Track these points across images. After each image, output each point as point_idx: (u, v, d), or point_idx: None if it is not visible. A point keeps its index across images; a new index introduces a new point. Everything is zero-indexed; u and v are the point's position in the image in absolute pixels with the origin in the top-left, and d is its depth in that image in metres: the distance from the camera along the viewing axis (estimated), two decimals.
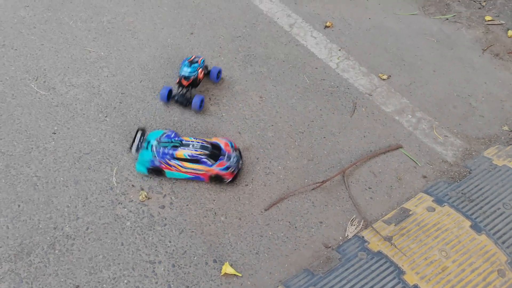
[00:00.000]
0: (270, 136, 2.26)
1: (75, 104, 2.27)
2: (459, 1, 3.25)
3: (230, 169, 1.96)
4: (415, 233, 1.88)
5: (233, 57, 2.64)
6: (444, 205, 1.99)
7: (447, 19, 3.11)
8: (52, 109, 2.23)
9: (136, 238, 1.81)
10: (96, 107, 2.27)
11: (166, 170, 1.96)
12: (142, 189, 1.97)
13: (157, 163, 1.94)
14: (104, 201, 1.92)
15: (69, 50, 2.53)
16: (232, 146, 2.01)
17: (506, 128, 2.42)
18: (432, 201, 2.02)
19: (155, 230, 1.85)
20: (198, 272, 1.75)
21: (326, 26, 2.95)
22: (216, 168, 1.93)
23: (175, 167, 1.95)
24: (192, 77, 2.27)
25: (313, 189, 2.06)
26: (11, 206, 1.85)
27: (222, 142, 2.00)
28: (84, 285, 1.67)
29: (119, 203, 1.92)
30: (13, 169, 1.97)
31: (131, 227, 1.84)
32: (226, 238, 1.86)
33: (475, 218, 1.93)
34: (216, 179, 1.98)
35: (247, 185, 2.05)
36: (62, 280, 1.67)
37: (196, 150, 1.93)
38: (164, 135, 2.01)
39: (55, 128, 2.15)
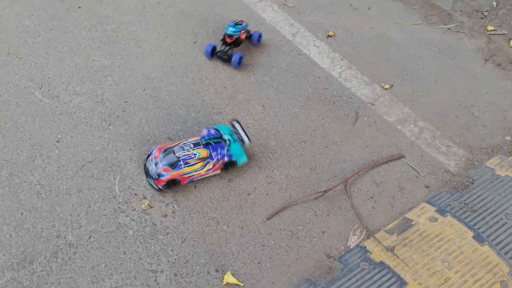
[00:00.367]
0: (273, 145, 2.27)
1: (79, 113, 2.28)
2: (461, 11, 3.26)
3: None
4: (418, 243, 1.88)
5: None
6: (447, 215, 1.98)
7: (449, 29, 3.13)
8: (56, 117, 2.24)
9: (138, 247, 1.82)
10: (99, 116, 2.28)
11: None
12: (145, 198, 1.98)
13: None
14: (107, 209, 1.92)
15: (73, 59, 2.55)
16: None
17: (508, 138, 2.42)
18: (435, 211, 2.02)
19: (157, 239, 1.85)
20: (200, 281, 1.75)
21: (328, 36, 2.96)
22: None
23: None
24: (235, 36, 2.59)
25: (315, 198, 2.07)
26: (14, 214, 1.86)
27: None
28: None
29: (121, 212, 1.92)
30: (17, 177, 1.98)
31: (133, 236, 1.85)
32: (228, 247, 1.86)
33: (478, 229, 1.93)
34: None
35: (249, 194, 2.06)
36: None
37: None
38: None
39: (59, 136, 2.17)
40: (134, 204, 1.95)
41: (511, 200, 2.04)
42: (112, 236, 1.84)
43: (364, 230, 1.96)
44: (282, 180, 2.12)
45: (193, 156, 1.97)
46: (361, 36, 3.00)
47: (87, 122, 2.24)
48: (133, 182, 2.03)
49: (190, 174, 1.99)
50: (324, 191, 2.06)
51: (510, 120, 2.52)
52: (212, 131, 2.08)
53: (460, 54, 2.93)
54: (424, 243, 1.88)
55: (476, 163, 2.28)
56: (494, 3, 3.34)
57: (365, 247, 1.88)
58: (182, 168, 1.96)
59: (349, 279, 1.76)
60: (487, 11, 3.27)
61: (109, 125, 2.25)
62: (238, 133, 2.11)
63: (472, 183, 2.15)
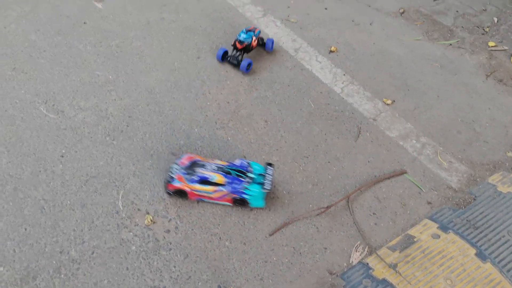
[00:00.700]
0: (275, 161, 2.28)
1: (83, 127, 2.30)
2: (462, 27, 3.29)
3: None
4: (420, 260, 1.88)
5: (239, 81, 2.68)
6: (449, 232, 1.99)
7: (451, 44, 3.15)
8: (60, 132, 2.26)
9: (141, 262, 1.82)
10: (103, 130, 2.30)
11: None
12: (148, 213, 1.99)
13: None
14: (110, 225, 1.93)
15: (78, 74, 2.57)
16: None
17: (510, 154, 2.42)
18: (437, 228, 2.02)
19: (160, 254, 1.86)
20: None
21: (331, 51, 2.99)
22: None
23: None
24: (245, 42, 2.65)
25: (317, 214, 2.07)
26: (18, 229, 1.86)
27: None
28: None
29: (124, 227, 1.93)
30: (21, 192, 1.99)
31: (136, 252, 1.85)
32: (231, 264, 1.87)
33: (480, 246, 1.93)
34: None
35: (251, 209, 2.06)
36: None
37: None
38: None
39: (63, 151, 2.18)
40: (137, 220, 1.96)
41: None
42: (115, 252, 1.84)
43: (367, 247, 1.97)
44: (284, 196, 2.13)
45: (208, 177, 1.97)
46: (363, 51, 3.02)
47: (91, 137, 2.26)
48: (136, 197, 2.04)
49: (200, 193, 2.00)
50: (327, 207, 2.07)
51: None
52: (244, 164, 2.07)
53: (461, 70, 2.95)
54: (426, 260, 1.88)
55: (478, 180, 2.29)
56: (495, 19, 3.36)
57: (367, 264, 1.88)
58: (194, 183, 1.97)
59: None
60: (488, 27, 3.29)
61: (113, 140, 2.27)
62: (267, 178, 2.04)
63: (475, 199, 2.15)
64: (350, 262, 1.92)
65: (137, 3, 3.18)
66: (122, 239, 1.89)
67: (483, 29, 3.27)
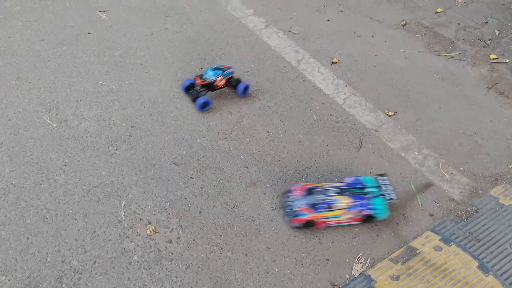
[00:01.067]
0: (277, 171, 2.28)
1: (86, 137, 2.31)
2: (464, 39, 3.31)
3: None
4: (422, 272, 1.87)
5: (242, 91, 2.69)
6: (451, 245, 1.98)
7: (452, 57, 3.17)
8: (64, 142, 2.27)
9: (142, 273, 1.82)
10: (106, 140, 2.31)
11: None
12: (150, 223, 1.99)
13: None
14: (112, 234, 1.93)
15: (82, 83, 2.59)
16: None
17: None
18: (439, 240, 2.01)
19: (161, 265, 1.85)
20: None
21: (333, 62, 3.00)
22: None
23: None
24: (207, 80, 2.49)
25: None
26: (20, 238, 1.87)
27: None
28: None
29: (126, 237, 1.93)
30: (23, 201, 2.00)
31: (138, 262, 1.85)
32: (233, 274, 1.86)
33: (483, 259, 1.92)
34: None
35: (254, 220, 2.06)
36: None
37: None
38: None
39: (66, 160, 2.19)
40: (139, 230, 1.96)
41: None
42: (116, 262, 1.84)
43: (369, 258, 1.96)
44: None
45: (335, 202, 1.98)
46: (365, 63, 3.04)
47: (94, 147, 2.27)
48: (139, 207, 2.04)
49: (329, 219, 2.00)
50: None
51: None
52: (357, 180, 2.08)
53: (463, 82, 2.96)
54: (428, 273, 1.87)
55: (480, 192, 2.29)
56: (497, 32, 3.39)
57: (369, 275, 1.88)
58: (323, 211, 1.97)
59: None
60: (489, 40, 3.31)
61: (116, 149, 2.27)
62: (384, 189, 2.05)
63: (477, 211, 2.15)
64: (352, 273, 1.92)
65: (141, 14, 3.21)
66: (124, 249, 1.89)
67: (485, 42, 3.29)
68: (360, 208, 1.99)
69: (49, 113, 2.40)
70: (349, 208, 1.98)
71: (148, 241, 1.92)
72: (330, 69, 2.95)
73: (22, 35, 2.86)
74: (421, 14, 3.56)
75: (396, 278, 1.85)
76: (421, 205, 2.20)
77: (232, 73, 2.58)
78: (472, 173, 2.38)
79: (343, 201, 1.98)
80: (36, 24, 2.98)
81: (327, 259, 1.96)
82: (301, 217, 1.97)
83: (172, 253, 1.90)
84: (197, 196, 2.12)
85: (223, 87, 2.59)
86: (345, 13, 3.51)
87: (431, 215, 2.17)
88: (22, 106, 2.40)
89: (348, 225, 2.07)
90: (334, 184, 2.07)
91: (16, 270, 1.77)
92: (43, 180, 2.09)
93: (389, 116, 2.66)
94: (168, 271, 1.84)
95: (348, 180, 2.09)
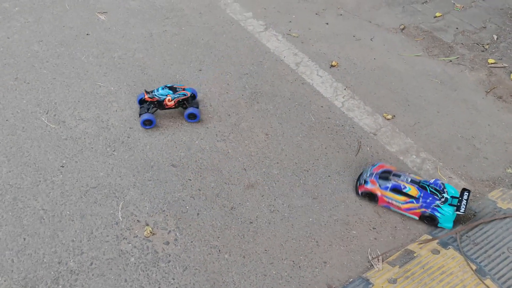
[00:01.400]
0: (275, 174, 2.28)
1: (84, 138, 2.30)
2: (462, 43, 3.32)
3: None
4: (420, 276, 1.87)
5: (240, 94, 2.69)
6: (449, 248, 1.98)
7: (451, 61, 3.17)
8: (61, 143, 2.26)
9: (139, 274, 1.81)
10: (104, 141, 2.31)
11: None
12: (147, 225, 1.98)
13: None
14: (109, 236, 1.93)
15: (80, 85, 2.59)
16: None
17: (510, 170, 2.43)
18: (437, 243, 2.01)
19: (159, 266, 1.85)
20: None
21: (332, 65, 3.01)
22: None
23: None
24: (155, 97, 2.38)
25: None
26: (16, 239, 1.86)
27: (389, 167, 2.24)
28: None
29: (123, 238, 1.92)
30: (21, 202, 1.99)
31: (135, 263, 1.84)
32: (230, 277, 1.86)
33: (480, 262, 1.92)
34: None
35: (251, 222, 2.06)
36: None
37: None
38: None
39: (63, 161, 2.18)
40: (136, 231, 1.95)
41: None
42: (113, 263, 1.83)
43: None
44: (284, 209, 2.13)
45: (402, 187, 2.05)
46: (363, 66, 3.04)
47: (92, 148, 2.27)
48: (136, 208, 2.04)
49: (390, 201, 2.10)
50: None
51: (511, 153, 2.54)
52: (439, 184, 2.10)
53: (461, 86, 2.96)
54: (426, 276, 1.87)
55: (478, 195, 2.29)
56: (495, 37, 3.40)
57: (367, 279, 1.87)
58: (387, 190, 2.08)
59: None
60: (488, 44, 3.32)
61: (114, 151, 2.27)
62: (461, 200, 2.04)
63: (474, 215, 2.15)
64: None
65: (140, 15, 3.21)
66: (121, 250, 1.88)
67: (483, 46, 3.30)
68: (424, 204, 2.05)
69: (47, 114, 2.39)
70: (414, 199, 2.06)
71: (146, 243, 1.92)
72: (329, 72, 2.96)
73: (21, 36, 2.86)
74: (419, 18, 3.57)
75: (393, 281, 1.85)
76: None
77: (185, 95, 2.42)
78: (470, 177, 2.38)
79: (411, 190, 2.05)
80: (35, 25, 2.98)
81: (325, 262, 1.95)
82: (366, 186, 2.15)
83: (170, 255, 1.89)
84: (195, 198, 2.12)
85: (174, 108, 2.46)
86: (344, 16, 3.51)
87: None
88: (20, 107, 2.40)
89: (406, 216, 2.14)
90: (412, 175, 2.15)
91: (12, 270, 1.76)
92: (40, 181, 2.08)
93: (388, 119, 2.67)
94: (165, 273, 1.83)
95: (431, 180, 2.13)
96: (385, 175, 2.13)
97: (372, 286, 1.84)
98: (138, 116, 2.44)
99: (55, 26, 2.99)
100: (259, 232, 2.03)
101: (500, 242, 2.01)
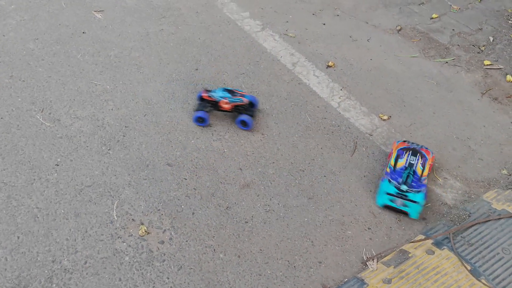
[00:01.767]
0: (271, 173, 2.28)
1: (79, 136, 2.30)
2: (458, 45, 3.33)
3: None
4: (414, 276, 1.87)
5: None
6: (444, 249, 1.98)
7: (447, 62, 3.18)
8: (56, 141, 2.25)
9: (134, 273, 1.80)
10: (99, 140, 2.30)
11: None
12: (142, 224, 1.98)
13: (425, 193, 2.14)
14: (104, 234, 1.92)
15: (76, 83, 2.58)
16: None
17: (505, 172, 2.43)
18: (432, 244, 2.02)
19: (153, 266, 1.84)
20: None
21: (328, 66, 3.01)
22: (430, 157, 2.27)
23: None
24: (213, 97, 2.42)
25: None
26: (10, 237, 1.85)
27: (406, 145, 2.34)
28: None
29: (118, 237, 1.91)
30: (15, 200, 1.98)
31: (129, 262, 1.84)
32: (225, 276, 1.85)
33: (475, 263, 1.92)
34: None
35: (247, 222, 2.06)
36: None
37: (417, 159, 2.24)
38: (391, 182, 2.17)
39: (58, 159, 2.17)
40: (131, 230, 1.95)
41: (507, 235, 2.04)
42: (108, 262, 1.83)
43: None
44: (280, 209, 2.13)
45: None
46: (360, 67, 3.04)
47: (87, 146, 2.26)
48: (131, 207, 2.03)
49: None
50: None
51: (506, 154, 2.54)
52: None
53: (457, 88, 2.97)
54: (420, 276, 1.87)
55: (472, 196, 2.29)
56: (491, 38, 3.41)
57: (362, 279, 1.87)
58: None
59: None
60: (483, 46, 3.33)
61: (109, 149, 2.26)
62: None
63: (469, 216, 2.15)
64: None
65: (137, 14, 3.20)
66: (116, 249, 1.87)
67: (479, 48, 3.31)
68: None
69: (42, 112, 2.38)
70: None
71: (140, 242, 1.91)
72: (325, 72, 2.96)
73: (17, 34, 2.85)
74: (416, 19, 3.58)
75: (388, 281, 1.85)
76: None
77: (241, 101, 2.43)
78: (465, 178, 2.39)
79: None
80: (30, 22, 2.96)
81: (320, 262, 1.95)
82: None
83: (164, 254, 1.89)
84: (190, 197, 2.11)
85: (229, 111, 2.48)
86: (341, 17, 3.52)
87: (424, 219, 2.17)
88: (15, 105, 2.39)
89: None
90: None
91: (5, 269, 1.75)
92: (34, 179, 2.07)
93: (384, 120, 2.67)
94: (160, 272, 1.83)
95: None
96: None
97: (367, 286, 1.84)
98: (194, 111, 2.46)
99: (51, 24, 2.98)
100: (254, 231, 2.02)
101: (495, 243, 2.01)
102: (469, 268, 1.91)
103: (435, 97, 2.88)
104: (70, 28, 2.97)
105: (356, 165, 2.38)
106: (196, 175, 2.21)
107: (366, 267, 1.94)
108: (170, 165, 2.24)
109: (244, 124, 2.46)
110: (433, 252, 1.97)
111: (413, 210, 2.12)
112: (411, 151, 2.27)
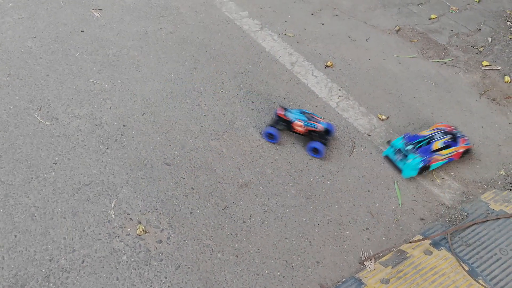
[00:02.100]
0: (269, 173, 2.27)
1: (77, 135, 2.29)
2: (457, 45, 3.33)
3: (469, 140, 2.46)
4: (412, 276, 1.87)
5: (235, 93, 2.68)
6: (441, 249, 1.99)
7: (445, 63, 3.18)
8: (54, 140, 2.24)
9: (131, 273, 1.80)
10: (97, 139, 2.29)
11: (432, 164, 2.33)
12: (140, 223, 1.97)
13: (424, 163, 2.30)
14: (101, 233, 1.91)
15: (74, 82, 2.57)
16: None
17: (502, 172, 2.44)
18: (429, 244, 2.02)
19: (151, 265, 1.84)
20: None
21: (327, 66, 3.01)
22: (462, 145, 2.40)
23: (437, 159, 2.34)
24: (288, 118, 2.39)
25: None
26: (7, 236, 1.84)
27: (447, 127, 2.46)
28: None
29: (116, 236, 1.91)
30: (12, 198, 1.97)
31: (127, 262, 1.83)
32: (222, 276, 1.85)
33: (472, 263, 1.93)
34: (465, 153, 2.45)
35: (244, 221, 2.05)
36: None
37: (444, 137, 2.38)
38: (404, 140, 2.38)
39: (56, 158, 2.17)
40: (129, 229, 1.94)
41: (505, 235, 2.04)
42: (105, 261, 1.82)
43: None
44: (278, 209, 2.12)
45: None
46: (358, 67, 3.04)
47: (85, 145, 2.25)
48: (129, 206, 2.03)
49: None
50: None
51: (504, 154, 2.55)
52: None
53: (455, 88, 2.97)
54: (418, 277, 1.87)
55: (470, 197, 2.30)
56: (489, 39, 3.41)
57: (360, 279, 1.87)
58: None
59: None
60: (482, 47, 3.34)
61: (107, 148, 2.26)
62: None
63: (467, 216, 2.16)
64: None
65: (135, 13, 3.20)
66: (113, 248, 1.87)
67: (477, 49, 3.32)
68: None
69: (40, 110, 2.37)
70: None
71: (138, 241, 1.91)
72: (324, 72, 2.96)
73: (15, 32, 2.84)
74: (415, 20, 3.58)
75: (386, 281, 1.85)
76: (401, 205, 2.21)
77: (315, 128, 2.36)
78: (463, 178, 2.39)
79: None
80: (29, 21, 2.95)
81: (318, 262, 1.95)
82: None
83: (162, 253, 1.88)
84: (188, 197, 2.11)
85: (303, 135, 2.43)
86: (340, 17, 3.52)
87: (422, 219, 2.17)
88: (12, 103, 2.38)
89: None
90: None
91: (3, 268, 1.74)
92: (32, 178, 2.07)
93: (382, 120, 2.67)
94: (158, 271, 1.82)
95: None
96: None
97: (365, 286, 1.84)
98: (271, 126, 2.41)
99: (49, 22, 2.97)
100: (252, 231, 2.02)
101: (493, 243, 2.01)
102: (466, 268, 1.91)
103: (434, 97, 2.88)
104: (69, 27, 2.96)
105: (354, 165, 2.38)
106: (194, 174, 2.21)
107: (364, 267, 1.94)
108: (168, 164, 2.23)
109: (315, 152, 2.37)
110: (431, 253, 1.97)
111: (406, 169, 2.32)
112: (447, 133, 2.40)
